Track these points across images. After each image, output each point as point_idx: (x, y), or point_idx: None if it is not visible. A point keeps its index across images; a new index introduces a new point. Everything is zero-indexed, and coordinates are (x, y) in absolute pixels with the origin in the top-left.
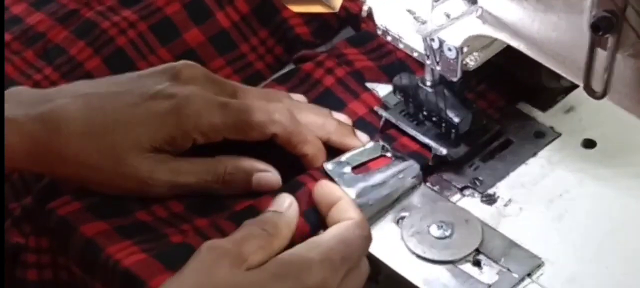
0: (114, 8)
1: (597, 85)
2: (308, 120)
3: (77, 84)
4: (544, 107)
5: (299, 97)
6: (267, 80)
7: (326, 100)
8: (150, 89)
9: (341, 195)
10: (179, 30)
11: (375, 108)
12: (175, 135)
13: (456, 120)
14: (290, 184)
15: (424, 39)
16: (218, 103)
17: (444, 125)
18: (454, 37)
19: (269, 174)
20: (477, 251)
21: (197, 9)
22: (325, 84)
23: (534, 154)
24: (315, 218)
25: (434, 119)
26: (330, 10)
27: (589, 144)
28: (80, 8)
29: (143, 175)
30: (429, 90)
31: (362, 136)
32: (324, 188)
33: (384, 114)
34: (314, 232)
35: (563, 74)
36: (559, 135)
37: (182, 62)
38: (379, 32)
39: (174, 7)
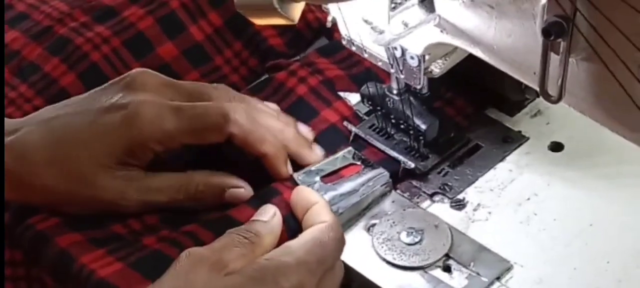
0: (88, 24)
1: (552, 90)
2: (267, 124)
3: (43, 110)
4: (512, 111)
5: (272, 106)
6: (242, 91)
7: (299, 108)
8: (105, 102)
9: (317, 199)
10: (153, 44)
11: (345, 123)
12: (132, 147)
13: (423, 127)
14: (265, 191)
15: (387, 48)
16: (170, 108)
17: (411, 133)
18: (414, 46)
19: (241, 190)
20: (447, 256)
21: (170, 23)
22: (298, 92)
23: (502, 159)
24: (294, 224)
25: (402, 126)
26: (290, 22)
27: (556, 146)
28: (54, 25)
29: (113, 196)
30: (396, 98)
31: (319, 151)
32: (300, 194)
33: (353, 129)
34: (292, 237)
35: (520, 79)
36: (527, 139)
37: (136, 70)
38: (344, 42)
39: (147, 22)
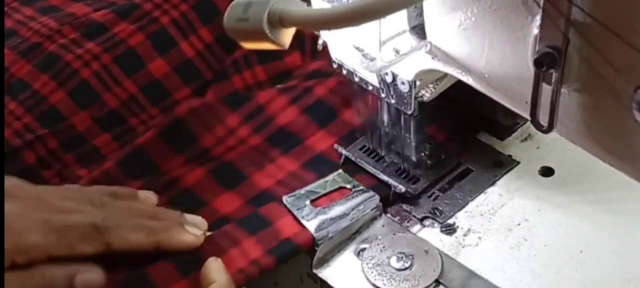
0: (77, 41)
1: (543, 119)
2: (140, 224)
3: None
4: (502, 135)
5: (150, 194)
6: None
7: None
8: None
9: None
10: (144, 60)
11: (335, 146)
12: None
13: (414, 159)
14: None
15: (378, 74)
16: (38, 221)
17: (404, 162)
18: (405, 71)
19: (93, 275)
20: (437, 282)
21: (161, 40)
22: (293, 113)
23: (493, 183)
24: (280, 252)
25: (393, 146)
26: (280, 48)
27: (547, 171)
28: (43, 41)
29: None
30: (387, 130)
31: (194, 230)
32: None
33: (343, 151)
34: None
35: (511, 108)
36: (517, 163)
37: (8, 180)
38: (335, 66)
39: (137, 38)
